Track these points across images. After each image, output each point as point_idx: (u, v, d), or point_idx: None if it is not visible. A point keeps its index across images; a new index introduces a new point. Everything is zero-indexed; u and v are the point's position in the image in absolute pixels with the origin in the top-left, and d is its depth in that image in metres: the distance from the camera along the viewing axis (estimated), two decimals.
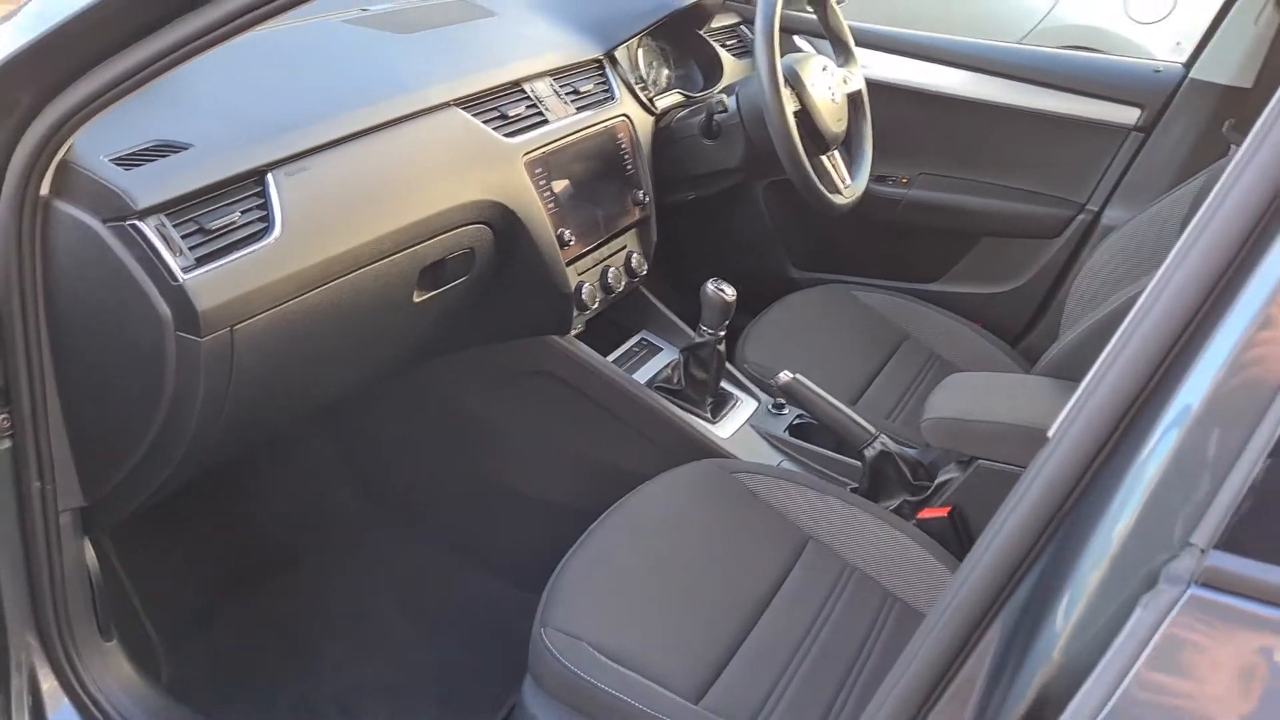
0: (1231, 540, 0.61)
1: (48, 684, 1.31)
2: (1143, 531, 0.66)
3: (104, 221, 1.08)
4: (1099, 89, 2.17)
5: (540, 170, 1.59)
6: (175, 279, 1.08)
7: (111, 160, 1.10)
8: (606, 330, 1.85)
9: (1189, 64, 2.12)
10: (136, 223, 1.07)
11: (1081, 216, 2.20)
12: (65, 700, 1.32)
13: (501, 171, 1.52)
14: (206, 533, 1.72)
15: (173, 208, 1.10)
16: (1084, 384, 0.72)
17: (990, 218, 2.28)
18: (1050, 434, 0.73)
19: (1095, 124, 2.16)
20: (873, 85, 2.08)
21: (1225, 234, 0.65)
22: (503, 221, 1.52)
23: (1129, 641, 0.63)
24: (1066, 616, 0.70)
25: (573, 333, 1.71)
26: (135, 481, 1.25)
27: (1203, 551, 0.62)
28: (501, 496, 1.81)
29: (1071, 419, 0.72)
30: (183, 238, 1.10)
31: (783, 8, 1.77)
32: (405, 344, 1.53)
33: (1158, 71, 2.16)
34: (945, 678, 0.80)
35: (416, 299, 1.43)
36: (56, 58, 1.01)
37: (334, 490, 1.88)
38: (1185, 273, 0.66)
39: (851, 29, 2.06)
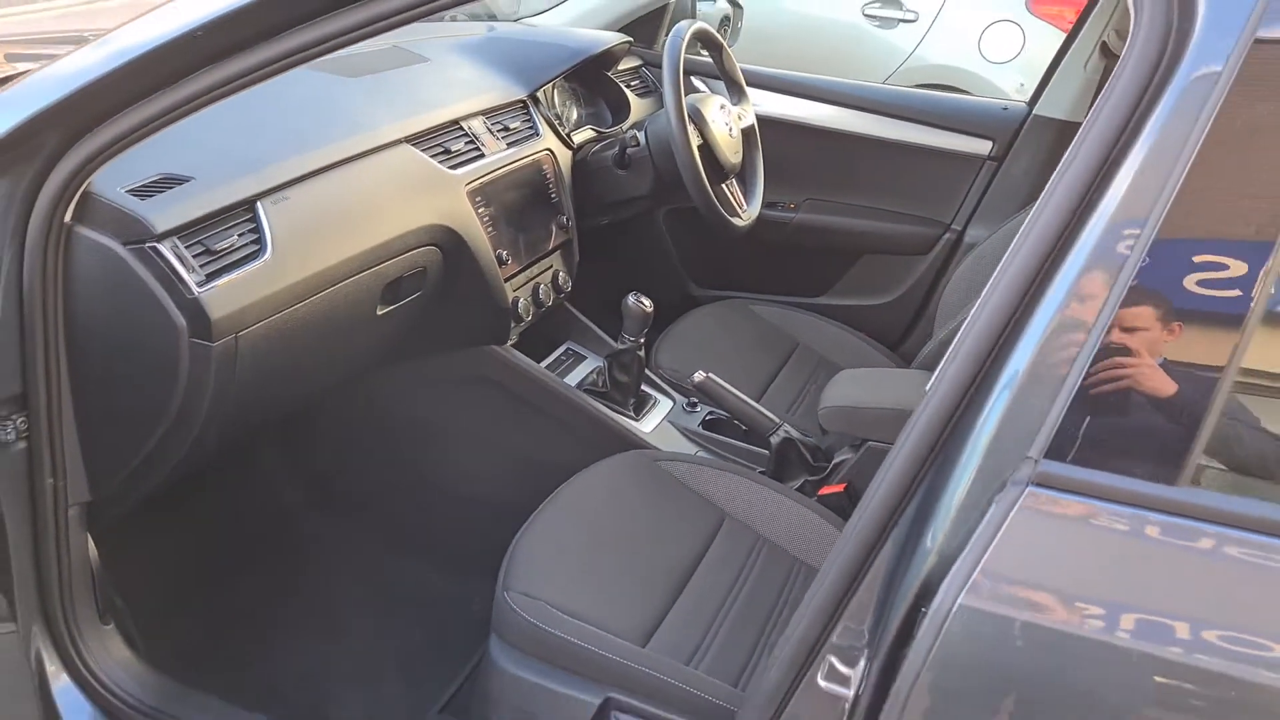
0: (1055, 452, 0.86)
1: (52, 665, 1.44)
2: (992, 457, 0.90)
3: (124, 244, 1.24)
4: (957, 124, 2.48)
5: (479, 198, 1.80)
6: (191, 293, 1.25)
7: (128, 191, 1.26)
8: (535, 342, 2.05)
9: (1031, 102, 2.44)
10: (156, 245, 1.24)
11: (947, 235, 2.51)
12: (67, 678, 1.45)
13: (448, 199, 1.72)
14: (173, 533, 1.85)
15: (184, 232, 1.28)
16: (943, 361, 0.97)
17: (869, 238, 2.56)
18: (926, 388, 0.98)
19: (955, 154, 2.47)
20: (763, 121, 2.34)
21: (1035, 251, 0.91)
22: (450, 243, 1.71)
23: (986, 529, 0.87)
24: (941, 525, 0.93)
25: (509, 343, 1.91)
26: (140, 476, 1.40)
27: (1035, 461, 0.87)
28: (444, 493, 2.00)
29: (937, 384, 0.96)
30: (194, 257, 1.28)
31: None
32: (370, 352, 1.71)
33: (1006, 109, 2.48)
34: (851, 589, 1.03)
35: (379, 312, 1.62)
36: (84, 107, 1.18)
37: (289, 495, 2.04)
38: (1010, 276, 0.92)
39: (742, 71, 2.32)
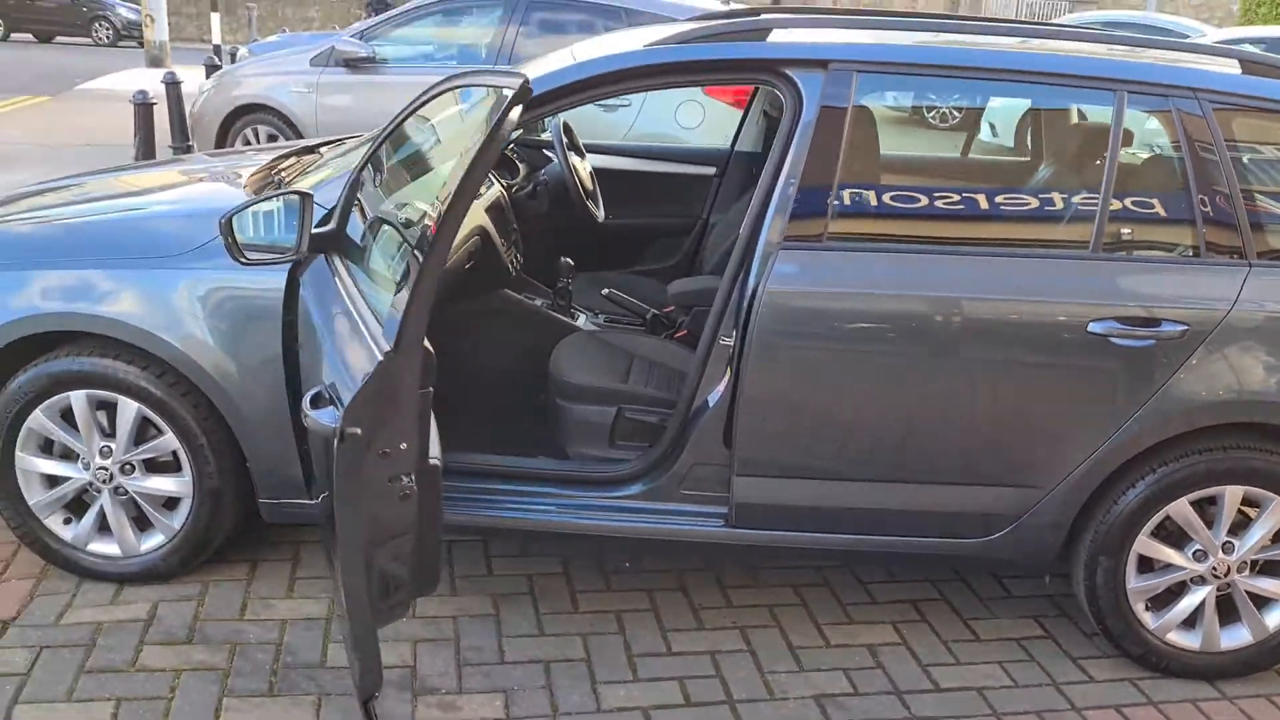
0: (784, 243, 2.78)
1: None
2: (768, 250, 2.80)
3: None
4: (695, 160, 4.48)
5: (489, 214, 3.56)
6: None
7: None
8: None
9: (732, 145, 4.48)
10: None
11: (700, 221, 4.48)
12: None
13: (480, 215, 3.47)
14: None
15: None
16: (740, 235, 2.88)
17: (659, 226, 4.50)
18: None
19: (698, 176, 4.47)
20: (596, 169, 4.23)
21: (761, 197, 2.82)
22: (484, 235, 3.47)
23: (769, 268, 2.77)
24: (752, 276, 2.83)
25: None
26: None
27: (779, 245, 2.78)
28: (489, 369, 3.69)
29: (739, 245, 2.87)
30: None
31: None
32: (466, 288, 3.43)
33: (721, 150, 4.51)
34: (725, 309, 2.90)
35: (466, 267, 3.35)
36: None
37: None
38: (754, 206, 2.84)
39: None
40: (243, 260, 2.60)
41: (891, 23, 3.19)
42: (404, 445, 2.01)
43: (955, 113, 7.73)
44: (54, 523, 3.08)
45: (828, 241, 2.79)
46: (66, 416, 2.98)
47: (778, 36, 2.94)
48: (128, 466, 3.00)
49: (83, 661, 2.75)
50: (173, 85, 8.60)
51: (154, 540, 3.08)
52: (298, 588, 3.15)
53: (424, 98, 2.77)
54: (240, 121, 7.77)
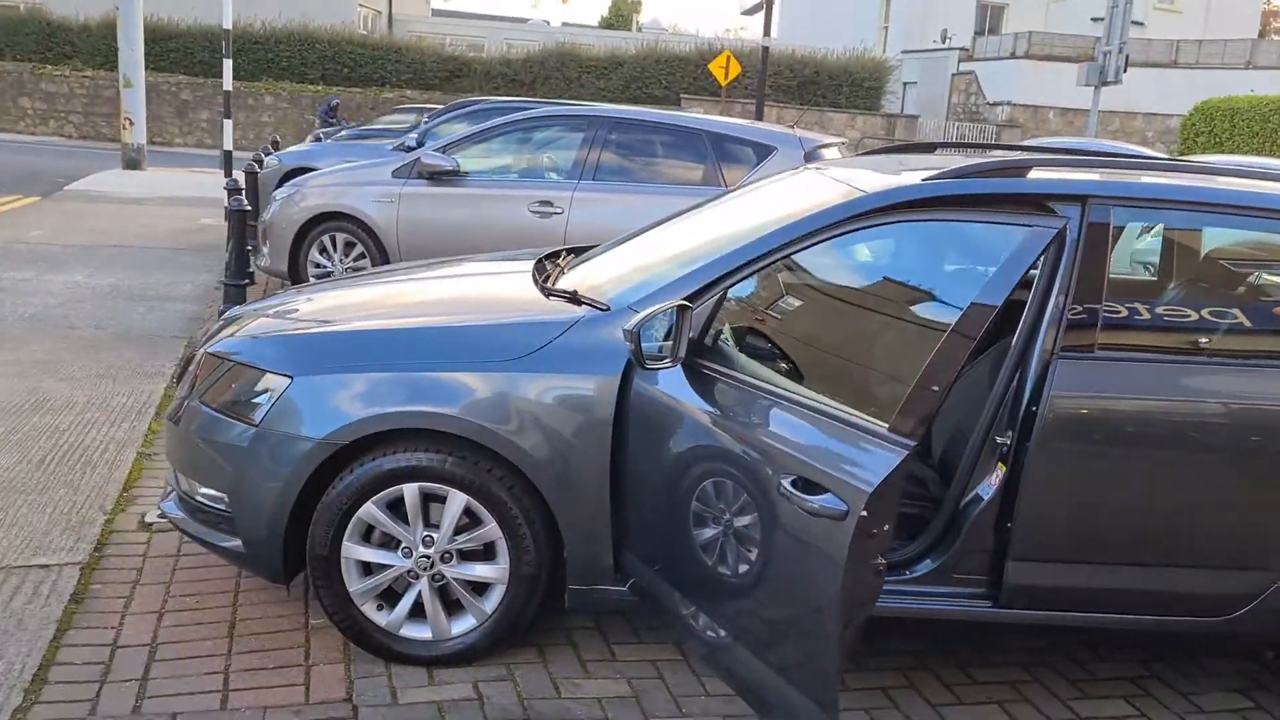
0: (1063, 352, 3.18)
1: None
2: (1040, 356, 3.20)
3: None
4: None
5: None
6: None
7: None
8: None
9: None
10: None
11: None
12: None
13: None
14: None
15: None
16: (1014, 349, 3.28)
17: None
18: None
19: None
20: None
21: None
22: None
23: (1051, 371, 3.16)
24: (1032, 380, 3.21)
25: None
26: None
27: (1053, 353, 3.18)
28: None
29: (1015, 359, 3.27)
30: None
31: None
32: None
33: None
34: (998, 411, 3.28)
35: None
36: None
37: None
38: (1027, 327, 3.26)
39: None
40: (645, 367, 2.90)
41: (1129, 162, 3.68)
42: (886, 528, 2.31)
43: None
44: (369, 609, 3.26)
45: (1098, 351, 3.19)
46: (393, 507, 3.20)
47: (1036, 174, 3.38)
48: (447, 555, 3.23)
49: None
50: (234, 193, 8.83)
51: (464, 624, 3.29)
52: (591, 669, 3.36)
53: (853, 226, 3.18)
54: (317, 229, 8.02)
